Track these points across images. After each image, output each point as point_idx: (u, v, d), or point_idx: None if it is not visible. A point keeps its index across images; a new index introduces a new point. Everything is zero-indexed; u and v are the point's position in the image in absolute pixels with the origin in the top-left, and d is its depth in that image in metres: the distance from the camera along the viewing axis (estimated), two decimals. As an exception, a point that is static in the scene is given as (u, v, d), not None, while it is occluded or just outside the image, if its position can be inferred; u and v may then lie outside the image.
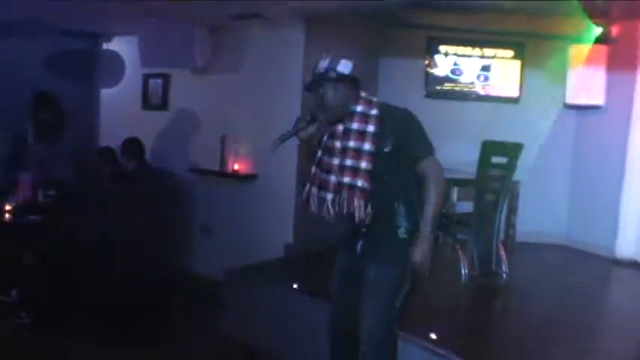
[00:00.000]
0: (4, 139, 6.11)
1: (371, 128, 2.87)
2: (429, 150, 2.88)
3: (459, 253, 4.64)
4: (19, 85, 6.19)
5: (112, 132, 6.34)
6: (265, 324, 4.30)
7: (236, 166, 5.48)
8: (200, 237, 5.84)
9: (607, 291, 5.20)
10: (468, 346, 3.42)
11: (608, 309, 4.70)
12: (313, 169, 3.02)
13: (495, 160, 4.58)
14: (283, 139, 2.90)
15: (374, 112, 2.89)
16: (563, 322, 4.02)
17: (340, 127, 2.93)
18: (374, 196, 2.86)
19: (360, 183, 2.84)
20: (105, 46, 6.76)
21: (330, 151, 2.94)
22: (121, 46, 6.61)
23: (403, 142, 2.86)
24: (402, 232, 2.88)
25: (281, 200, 5.21)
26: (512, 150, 4.57)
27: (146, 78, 6.36)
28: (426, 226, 2.81)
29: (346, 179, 2.88)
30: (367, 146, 2.85)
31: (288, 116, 5.09)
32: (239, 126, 5.49)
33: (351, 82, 2.92)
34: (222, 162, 5.54)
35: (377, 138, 2.85)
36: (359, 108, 2.91)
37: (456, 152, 5.16)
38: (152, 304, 5.07)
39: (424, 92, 6.35)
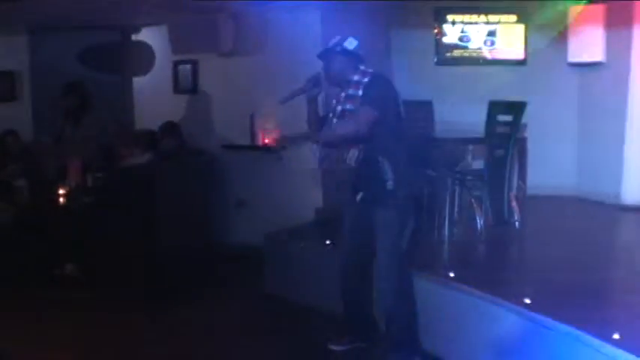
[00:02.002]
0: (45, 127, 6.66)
1: (360, 93, 3.52)
2: (373, 103, 3.46)
3: (474, 205, 5.12)
4: (56, 77, 6.72)
5: (147, 116, 6.84)
6: (303, 279, 4.82)
7: (266, 140, 5.96)
8: (235, 207, 6.34)
9: (613, 232, 5.63)
10: (482, 278, 3.89)
11: (614, 246, 5.16)
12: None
13: (501, 118, 5.02)
14: (290, 96, 3.66)
15: (365, 79, 3.54)
16: (572, 257, 4.48)
17: (342, 94, 3.61)
18: (362, 151, 3.48)
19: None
20: (134, 37, 7.23)
21: (335, 114, 3.63)
22: (150, 35, 7.09)
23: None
24: (390, 185, 3.46)
25: (309, 169, 5.68)
26: (517, 108, 5.00)
27: (175, 64, 6.85)
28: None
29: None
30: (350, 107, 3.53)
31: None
32: (265, 103, 5.96)
33: (351, 56, 3.58)
34: (253, 137, 6.02)
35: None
36: (355, 77, 3.57)
37: (469, 114, 5.61)
38: (195, 271, 5.58)
39: (435, 60, 6.76)
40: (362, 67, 3.61)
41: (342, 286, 3.89)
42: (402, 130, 3.62)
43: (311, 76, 3.68)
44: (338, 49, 3.59)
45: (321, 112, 3.78)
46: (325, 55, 3.65)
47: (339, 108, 3.61)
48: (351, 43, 3.59)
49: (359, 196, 3.60)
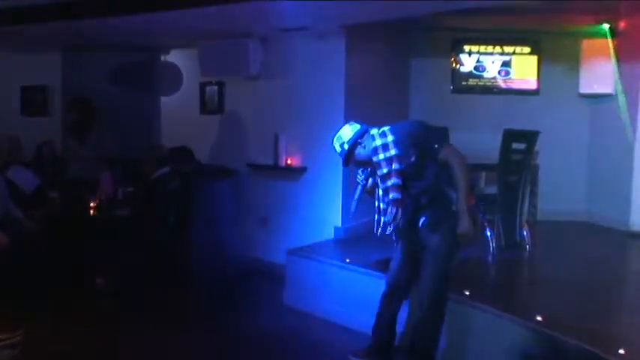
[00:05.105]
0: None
1: (394, 152, 3.64)
2: (442, 141, 3.65)
3: (487, 229, 5.35)
4: (86, 93, 7.04)
5: (173, 135, 7.09)
6: (322, 294, 5.05)
7: (289, 161, 6.21)
8: (258, 224, 6.58)
9: (620, 257, 5.83)
10: (497, 297, 4.13)
11: (621, 270, 5.38)
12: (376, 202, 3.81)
13: (515, 146, 5.27)
14: (356, 204, 3.75)
15: (390, 138, 3.66)
16: (580, 280, 4.73)
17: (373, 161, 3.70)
18: (427, 188, 3.66)
19: (392, 195, 3.64)
20: (163, 58, 7.56)
21: (382, 179, 3.70)
22: (178, 57, 7.42)
23: (423, 146, 3.62)
24: (454, 207, 3.63)
25: (329, 189, 5.94)
26: (530, 137, 5.26)
27: (203, 86, 7.14)
28: (463, 204, 3.55)
29: (390, 195, 3.66)
30: (396, 166, 3.63)
31: (333, 116, 5.88)
32: (290, 125, 6.23)
33: (356, 138, 3.71)
34: (276, 157, 6.26)
35: (401, 157, 3.62)
36: (378, 143, 3.68)
37: (482, 141, 5.84)
38: (220, 285, 5.79)
39: (451, 88, 7.05)
40: (372, 132, 3.72)
41: (380, 308, 4.00)
42: None
43: (360, 177, 3.80)
44: (347, 151, 3.72)
45: None
46: (347, 161, 3.78)
47: (383, 171, 3.65)
48: (346, 135, 3.72)
49: (422, 221, 3.71)
